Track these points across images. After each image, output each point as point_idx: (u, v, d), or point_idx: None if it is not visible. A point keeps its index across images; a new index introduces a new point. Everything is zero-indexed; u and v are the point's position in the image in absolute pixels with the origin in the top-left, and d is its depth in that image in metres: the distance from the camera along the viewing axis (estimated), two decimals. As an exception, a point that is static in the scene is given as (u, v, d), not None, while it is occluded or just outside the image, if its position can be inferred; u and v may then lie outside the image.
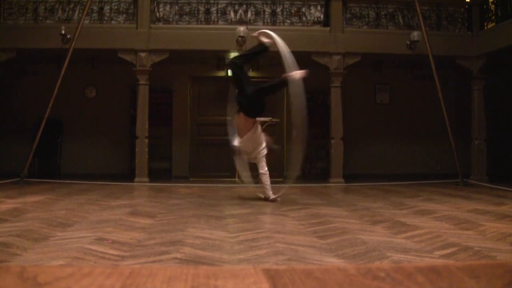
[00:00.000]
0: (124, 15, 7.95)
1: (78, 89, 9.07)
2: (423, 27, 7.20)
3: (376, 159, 9.37)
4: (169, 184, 7.67)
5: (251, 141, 5.12)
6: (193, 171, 9.12)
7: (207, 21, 8.06)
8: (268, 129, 6.04)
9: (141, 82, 7.82)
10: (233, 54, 7.75)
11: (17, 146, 8.61)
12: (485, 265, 0.57)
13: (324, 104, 9.10)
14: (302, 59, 5.33)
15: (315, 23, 8.22)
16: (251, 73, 9.05)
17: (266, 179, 5.17)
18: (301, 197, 5.81)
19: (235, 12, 8.11)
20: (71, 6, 7.90)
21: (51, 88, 6.97)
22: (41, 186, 6.84)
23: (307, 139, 5.13)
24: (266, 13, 8.14)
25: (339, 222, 3.84)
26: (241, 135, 5.16)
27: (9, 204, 4.69)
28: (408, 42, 7.89)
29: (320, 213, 4.38)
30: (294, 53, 5.00)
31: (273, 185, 5.29)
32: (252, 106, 5.00)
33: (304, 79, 4.85)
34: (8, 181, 7.05)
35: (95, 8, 7.86)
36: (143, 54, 7.76)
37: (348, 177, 8.06)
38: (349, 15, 8.21)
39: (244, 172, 5.73)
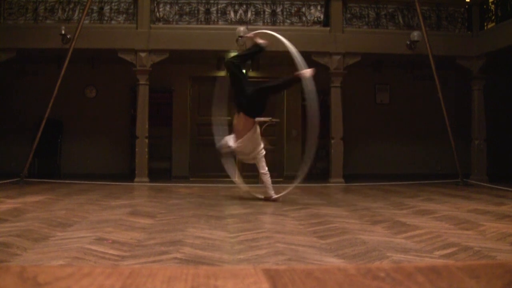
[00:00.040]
0: (124, 15, 7.95)
1: (78, 89, 9.07)
2: (423, 27, 7.20)
3: (376, 159, 9.37)
4: (169, 184, 7.67)
5: (251, 141, 5.11)
6: (193, 171, 9.11)
7: (207, 21, 8.06)
8: (268, 129, 6.04)
9: (141, 82, 7.82)
10: (232, 54, 7.75)
11: (17, 146, 8.61)
12: (485, 265, 0.57)
13: (324, 104, 9.09)
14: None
15: (315, 23, 8.22)
16: (251, 73, 9.06)
17: (267, 178, 5.17)
18: (301, 197, 5.81)
19: (235, 12, 8.11)
20: (71, 6, 7.90)
21: (51, 88, 6.97)
22: (41, 186, 6.84)
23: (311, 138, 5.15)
24: (266, 13, 8.14)
25: (339, 222, 3.84)
26: (240, 136, 5.12)
27: (9, 204, 4.69)
28: (408, 42, 7.89)
29: (320, 213, 4.38)
30: (294, 53, 5.02)
31: (282, 185, 5.28)
32: (252, 106, 5.00)
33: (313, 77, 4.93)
34: (8, 181, 7.04)
35: (95, 8, 7.86)
36: (143, 54, 7.77)
37: (348, 177, 8.06)
38: (349, 15, 8.21)
39: (233, 173, 5.72)
